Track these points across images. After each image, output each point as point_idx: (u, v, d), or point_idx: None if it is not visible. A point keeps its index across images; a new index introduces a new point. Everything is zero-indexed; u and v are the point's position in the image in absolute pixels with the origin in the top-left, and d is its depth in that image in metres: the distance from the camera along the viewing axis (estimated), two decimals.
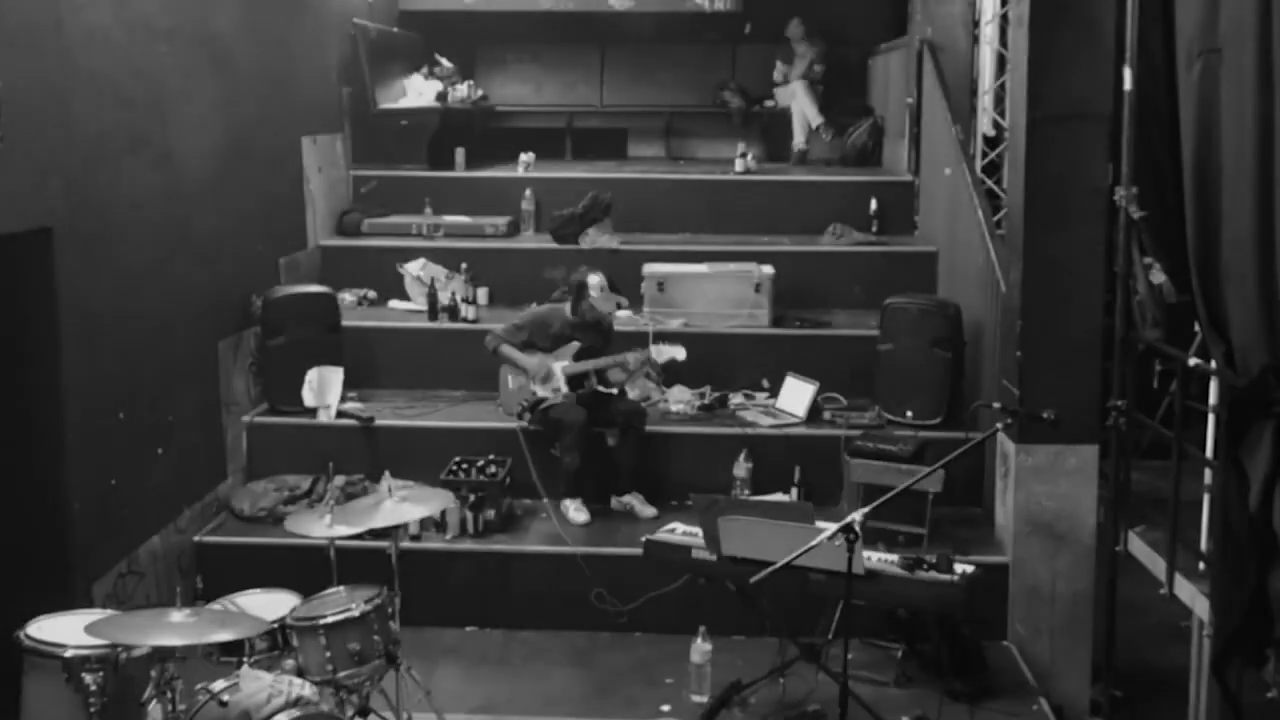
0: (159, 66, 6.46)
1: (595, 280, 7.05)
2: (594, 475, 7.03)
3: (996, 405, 5.31)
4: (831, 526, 4.52)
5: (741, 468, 6.96)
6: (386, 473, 5.55)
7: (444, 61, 10.69)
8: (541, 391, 7.02)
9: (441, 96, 10.32)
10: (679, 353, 6.96)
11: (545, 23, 11.56)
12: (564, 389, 7.00)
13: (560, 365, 7.01)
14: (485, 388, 7.58)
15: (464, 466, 6.90)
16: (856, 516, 4.44)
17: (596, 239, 8.63)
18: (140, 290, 6.19)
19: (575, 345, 7.04)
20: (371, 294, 8.65)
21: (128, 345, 6.01)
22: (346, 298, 8.39)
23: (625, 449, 7.01)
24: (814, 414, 7.40)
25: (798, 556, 4.57)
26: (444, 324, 8.13)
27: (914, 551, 5.54)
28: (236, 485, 7.23)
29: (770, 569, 4.60)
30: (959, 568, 5.36)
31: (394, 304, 8.58)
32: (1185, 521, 5.14)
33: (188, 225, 6.73)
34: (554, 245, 8.81)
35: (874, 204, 9.16)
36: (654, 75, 11.74)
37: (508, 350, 7.11)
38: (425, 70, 10.46)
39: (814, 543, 4.63)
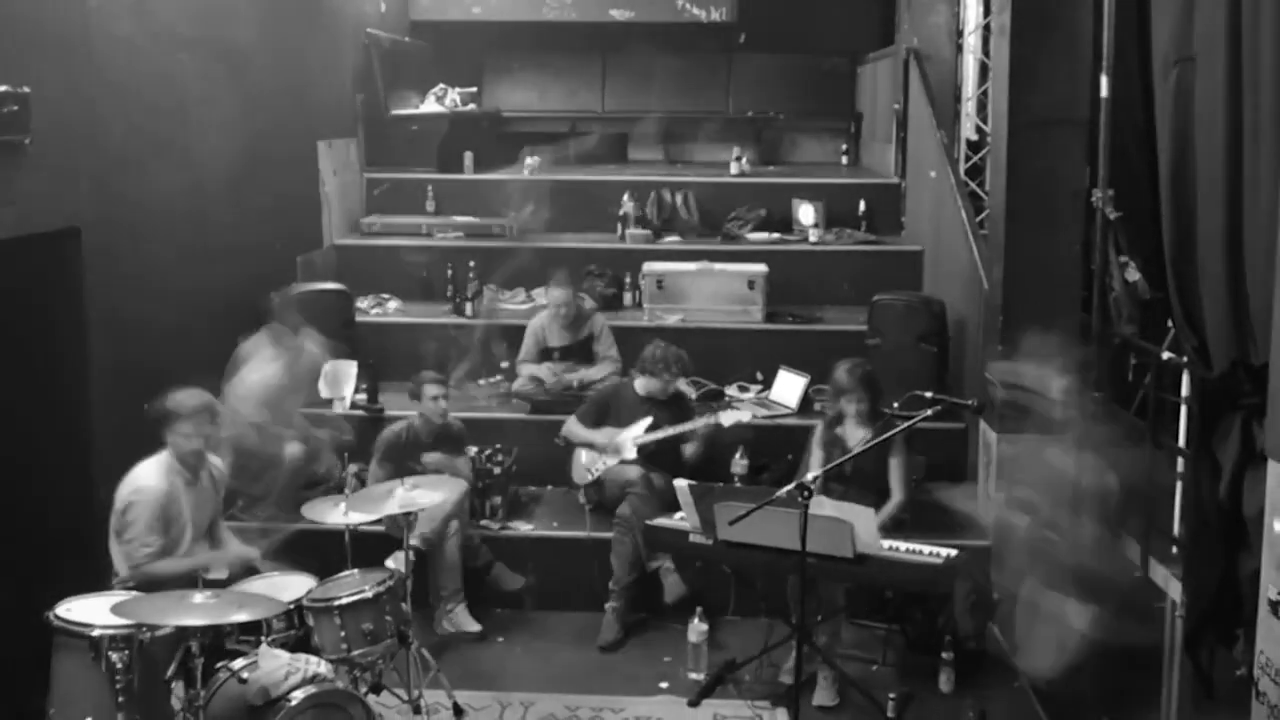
0: (182, 74, 6.46)
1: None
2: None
3: (928, 394, 5.31)
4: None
5: (739, 465, 6.92)
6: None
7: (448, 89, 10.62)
8: (610, 462, 6.63)
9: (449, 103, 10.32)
10: (745, 416, 6.64)
11: (549, 32, 11.54)
12: (632, 457, 6.59)
13: (630, 436, 6.61)
14: None
15: (471, 456, 6.89)
16: (808, 476, 4.55)
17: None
18: (164, 287, 6.18)
19: (648, 420, 6.63)
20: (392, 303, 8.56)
21: (152, 339, 6.00)
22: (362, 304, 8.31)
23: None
24: (805, 405, 7.40)
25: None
26: (453, 319, 8.12)
27: (900, 536, 5.53)
28: None
29: (749, 510, 4.80)
30: (943, 551, 5.36)
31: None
32: (1159, 508, 5.13)
33: (209, 225, 6.73)
34: (557, 245, 8.82)
35: (862, 205, 9.16)
36: (653, 82, 11.73)
37: (575, 430, 6.76)
38: (440, 90, 10.40)
39: (769, 500, 4.74)
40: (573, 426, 6.81)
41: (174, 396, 5.10)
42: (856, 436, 6.05)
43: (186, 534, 5.05)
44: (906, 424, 5.16)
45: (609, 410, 6.78)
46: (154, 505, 4.95)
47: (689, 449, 6.60)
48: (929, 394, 5.24)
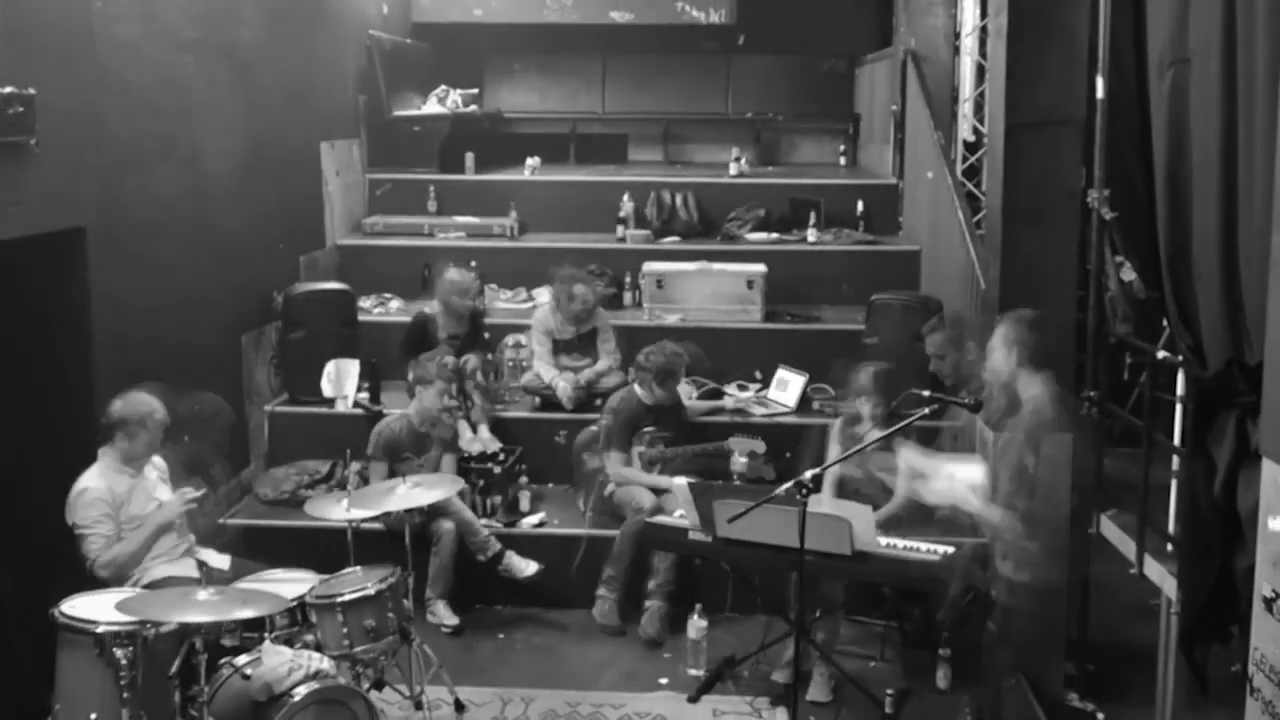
0: (185, 76, 6.46)
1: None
2: None
3: (925, 393, 5.30)
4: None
5: (738, 463, 6.91)
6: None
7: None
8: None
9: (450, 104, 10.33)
10: (759, 445, 6.58)
11: (550, 34, 11.53)
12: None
13: (682, 481, 6.02)
14: None
15: (473, 453, 6.88)
16: (807, 475, 4.52)
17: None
18: (168, 286, 6.18)
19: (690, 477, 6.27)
20: (394, 302, 8.54)
21: (156, 338, 6.00)
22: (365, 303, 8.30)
23: None
24: (803, 404, 7.40)
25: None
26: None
27: (896, 534, 5.52)
28: (259, 470, 7.23)
29: (749, 507, 4.85)
30: (940, 548, 5.36)
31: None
32: (1154, 506, 5.13)
33: (212, 225, 6.73)
34: (555, 245, 8.86)
35: (860, 205, 9.16)
36: (653, 84, 11.73)
37: (626, 474, 6.56)
38: (441, 91, 10.40)
39: (767, 497, 4.77)
40: (619, 469, 6.59)
41: (133, 403, 5.17)
42: (873, 438, 6.04)
43: (134, 526, 5.12)
44: (902, 423, 5.14)
45: (631, 426, 6.65)
46: (96, 500, 5.02)
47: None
48: (926, 392, 5.24)
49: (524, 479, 6.97)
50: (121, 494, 5.09)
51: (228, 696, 4.34)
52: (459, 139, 9.90)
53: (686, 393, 7.48)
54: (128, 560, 5.02)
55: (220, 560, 5.31)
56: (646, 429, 6.66)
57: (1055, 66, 6.08)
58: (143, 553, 5.08)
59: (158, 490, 5.30)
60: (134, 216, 5.88)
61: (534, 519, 6.74)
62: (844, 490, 5.92)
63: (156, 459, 5.37)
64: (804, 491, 4.47)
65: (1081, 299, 6.09)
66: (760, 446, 6.63)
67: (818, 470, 4.62)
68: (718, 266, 8.16)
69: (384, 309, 8.38)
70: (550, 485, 7.19)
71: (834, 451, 6.14)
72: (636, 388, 6.71)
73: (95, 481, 5.07)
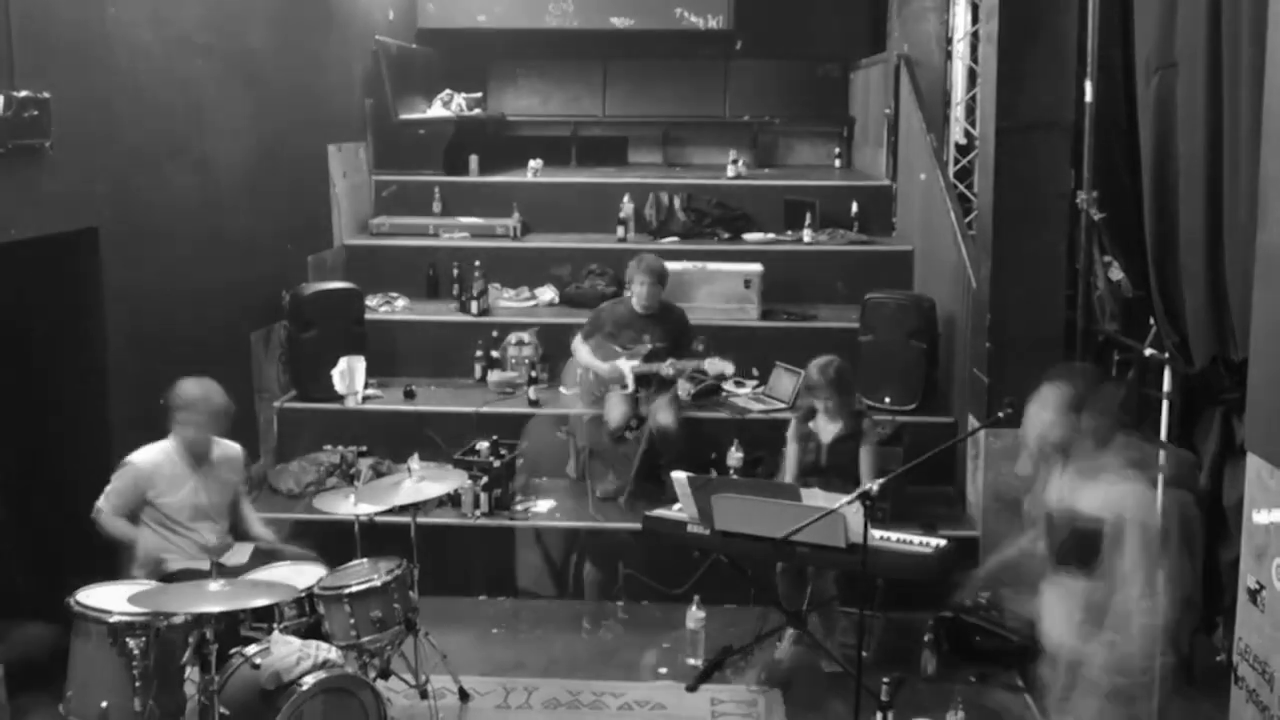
0: (197, 79, 6.46)
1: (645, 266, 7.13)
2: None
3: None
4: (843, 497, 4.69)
5: (734, 457, 6.90)
6: (416, 455, 5.53)
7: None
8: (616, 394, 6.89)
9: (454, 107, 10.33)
10: (729, 368, 6.88)
11: (552, 40, 11.52)
12: (631, 387, 6.88)
13: (630, 366, 6.89)
14: None
15: (477, 449, 6.89)
16: (874, 486, 4.50)
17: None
18: (179, 286, 6.18)
19: (646, 348, 6.95)
20: (400, 301, 8.53)
21: (167, 336, 6.00)
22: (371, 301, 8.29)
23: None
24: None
25: (821, 517, 4.91)
26: (457, 317, 8.16)
27: (883, 526, 5.52)
28: (268, 466, 7.23)
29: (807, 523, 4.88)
30: (933, 541, 5.36)
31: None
32: None
33: (222, 226, 6.73)
34: (558, 244, 8.87)
35: (855, 207, 9.15)
36: (652, 88, 11.73)
37: (584, 356, 7.05)
38: (446, 95, 10.40)
39: (834, 507, 4.83)
40: (578, 346, 7.11)
41: (179, 385, 5.20)
42: (828, 431, 6.03)
43: (185, 515, 5.14)
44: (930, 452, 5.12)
45: (604, 331, 7.03)
46: (134, 476, 5.07)
47: (675, 379, 6.99)
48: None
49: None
50: (163, 477, 5.12)
51: (237, 685, 4.33)
52: (463, 142, 9.89)
53: (685, 390, 7.48)
54: (118, 539, 5.07)
55: (243, 552, 5.31)
56: (628, 344, 6.96)
57: (1045, 71, 6.08)
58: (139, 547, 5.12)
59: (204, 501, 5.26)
60: (146, 217, 5.88)
61: (543, 506, 6.79)
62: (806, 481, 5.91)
63: (229, 443, 5.37)
64: (869, 502, 4.48)
65: (1070, 298, 6.09)
66: (730, 369, 6.92)
67: (883, 479, 4.61)
68: (715, 266, 8.15)
69: (390, 308, 8.38)
70: (545, 479, 7.19)
71: (791, 448, 6.13)
72: (627, 294, 7.09)
73: (145, 458, 5.11)
